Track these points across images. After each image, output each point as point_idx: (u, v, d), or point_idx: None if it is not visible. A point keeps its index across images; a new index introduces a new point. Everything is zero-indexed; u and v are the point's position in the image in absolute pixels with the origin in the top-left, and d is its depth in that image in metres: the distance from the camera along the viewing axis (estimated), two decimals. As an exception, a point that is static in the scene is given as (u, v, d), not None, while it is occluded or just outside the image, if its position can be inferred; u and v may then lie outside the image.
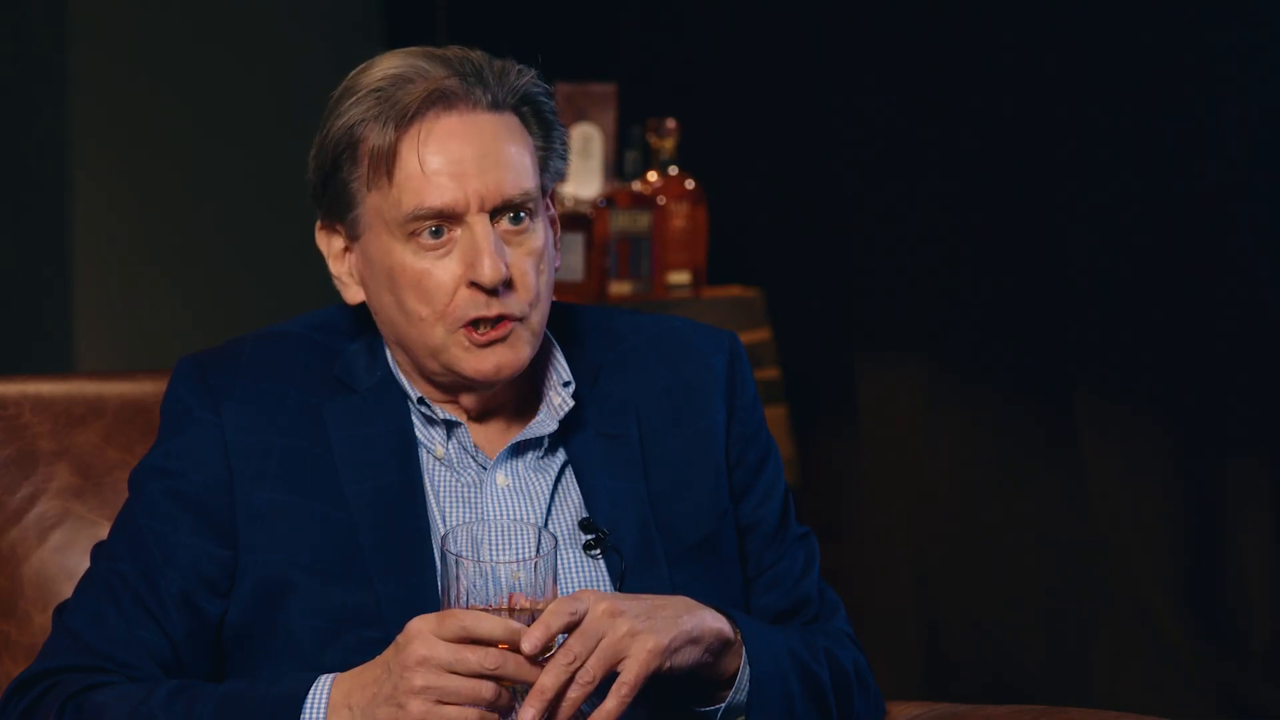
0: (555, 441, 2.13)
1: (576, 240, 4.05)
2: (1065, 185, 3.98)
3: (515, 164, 2.05)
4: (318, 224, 2.13)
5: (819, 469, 4.38)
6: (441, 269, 2.04)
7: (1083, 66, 3.93)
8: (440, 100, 2.04)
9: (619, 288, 4.08)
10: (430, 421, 2.11)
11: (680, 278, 4.13)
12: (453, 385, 2.11)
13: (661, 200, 4.09)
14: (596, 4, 4.70)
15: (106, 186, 4.69)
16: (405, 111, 2.03)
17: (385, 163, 2.04)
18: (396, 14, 4.96)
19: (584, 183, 4.21)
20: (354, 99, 2.05)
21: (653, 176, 4.12)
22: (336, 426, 2.10)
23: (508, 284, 2.04)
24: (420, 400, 2.11)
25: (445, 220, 2.04)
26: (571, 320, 2.21)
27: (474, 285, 2.03)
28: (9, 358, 4.66)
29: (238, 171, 4.85)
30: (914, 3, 4.17)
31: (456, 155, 2.03)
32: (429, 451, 2.11)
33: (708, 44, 4.52)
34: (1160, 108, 3.84)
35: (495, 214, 2.05)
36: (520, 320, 2.06)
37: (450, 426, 2.11)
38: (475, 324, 2.05)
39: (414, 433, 2.11)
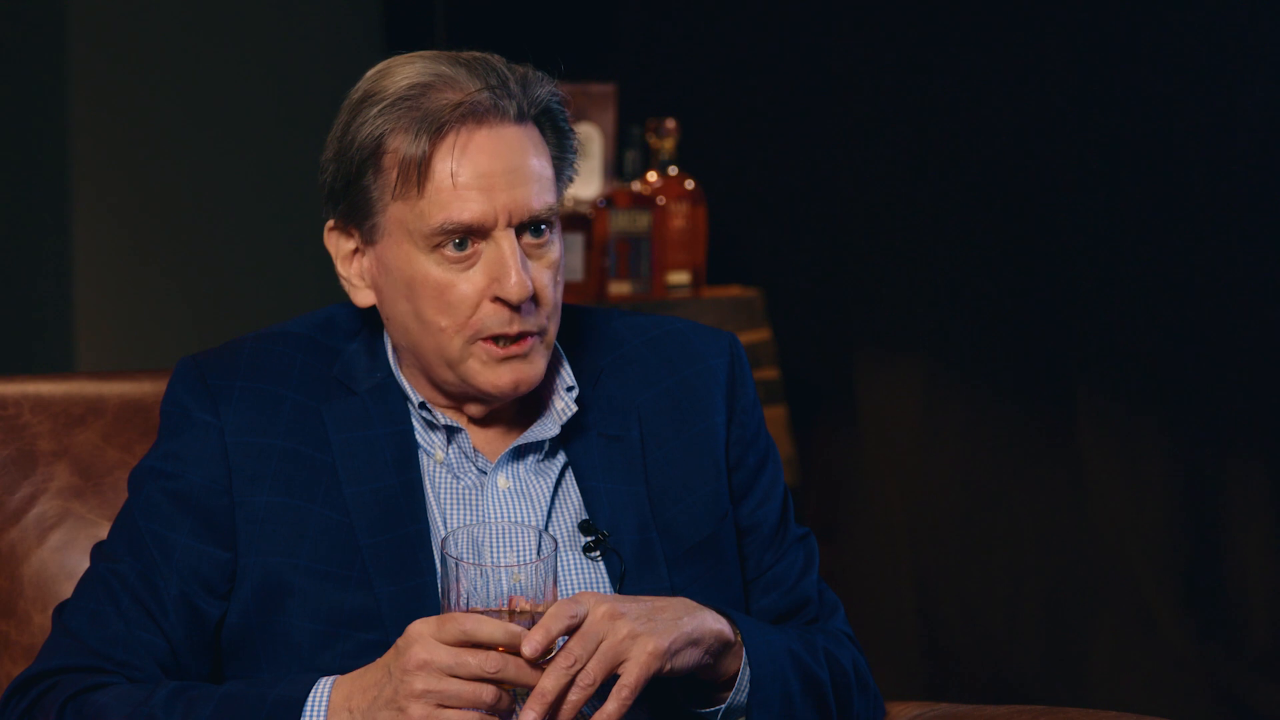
0: (556, 444, 2.13)
1: (576, 240, 4.05)
2: (1065, 185, 3.98)
3: (540, 177, 2.06)
4: (329, 225, 2.13)
5: (819, 469, 4.38)
6: (465, 281, 2.04)
7: (1083, 66, 3.93)
8: (471, 114, 2.03)
9: (619, 288, 4.08)
10: (431, 426, 2.11)
11: (680, 278, 4.13)
12: (462, 396, 2.11)
13: (661, 200, 4.09)
14: (596, 4, 4.69)
15: (106, 186, 4.69)
16: (438, 124, 2.02)
17: (416, 175, 2.03)
18: (396, 15, 4.96)
19: (584, 183, 4.21)
20: (380, 106, 2.05)
21: (652, 176, 4.12)
22: (336, 428, 2.10)
23: (531, 299, 2.05)
24: (422, 405, 2.11)
25: (471, 234, 2.04)
26: (572, 321, 2.21)
27: (499, 300, 2.04)
28: (9, 358, 4.66)
29: (237, 171, 4.85)
30: (913, 3, 4.17)
31: (486, 169, 2.03)
32: (429, 455, 2.11)
33: (708, 44, 4.52)
34: (1160, 108, 3.84)
35: (519, 228, 2.05)
36: (539, 334, 2.06)
37: (451, 431, 2.11)
38: (496, 339, 2.05)
39: (414, 435, 2.11)
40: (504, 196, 2.03)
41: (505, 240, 2.04)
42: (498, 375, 2.06)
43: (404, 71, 2.06)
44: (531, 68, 2.09)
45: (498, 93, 2.04)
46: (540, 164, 2.06)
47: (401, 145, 2.04)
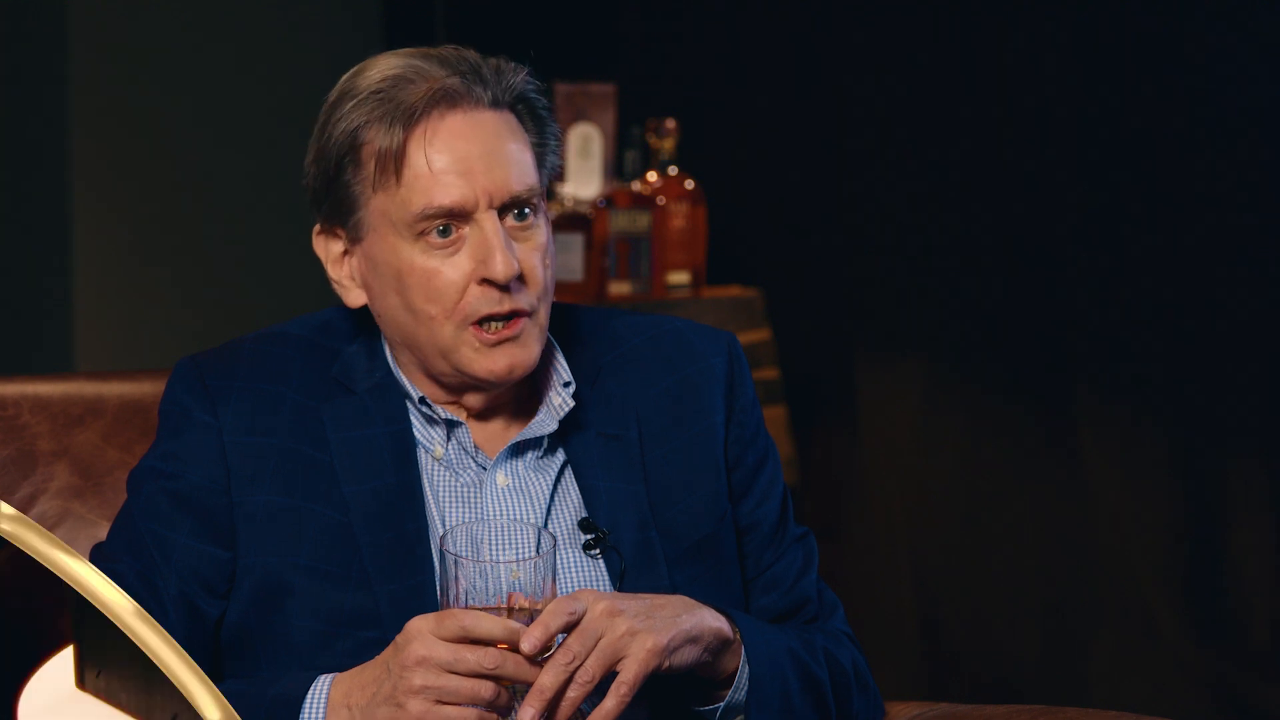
0: (555, 441, 2.13)
1: (576, 240, 4.05)
2: (1065, 184, 3.98)
3: (519, 161, 2.06)
4: (315, 229, 2.13)
5: (819, 469, 4.38)
6: (451, 267, 2.04)
7: (1081, 65, 3.93)
8: (444, 99, 2.04)
9: (618, 288, 4.07)
10: (431, 421, 2.11)
11: (680, 278, 4.13)
12: (460, 386, 2.11)
13: (661, 200, 4.09)
14: (596, 4, 4.70)
15: (106, 187, 4.69)
16: (410, 112, 2.03)
17: (393, 164, 2.04)
18: (395, 14, 4.96)
19: (584, 183, 4.21)
20: (354, 102, 2.06)
21: (652, 176, 4.12)
22: (335, 428, 2.10)
23: (519, 279, 2.05)
24: (422, 400, 2.11)
25: (454, 219, 2.04)
26: (571, 320, 2.21)
27: (486, 282, 2.04)
28: (9, 358, 4.66)
29: (237, 172, 4.85)
30: (913, 4, 4.17)
31: (463, 153, 2.04)
32: (428, 451, 2.11)
33: (708, 44, 4.52)
34: (1159, 108, 3.84)
35: (502, 211, 2.05)
36: (530, 315, 2.06)
37: (451, 426, 2.11)
38: (484, 322, 2.05)
39: (413, 433, 2.11)
40: (483, 179, 2.03)
41: (488, 221, 2.04)
42: (492, 361, 2.06)
43: (377, 66, 2.07)
44: (505, 59, 2.09)
45: (469, 79, 2.05)
46: (518, 148, 2.07)
47: (377, 136, 2.04)
